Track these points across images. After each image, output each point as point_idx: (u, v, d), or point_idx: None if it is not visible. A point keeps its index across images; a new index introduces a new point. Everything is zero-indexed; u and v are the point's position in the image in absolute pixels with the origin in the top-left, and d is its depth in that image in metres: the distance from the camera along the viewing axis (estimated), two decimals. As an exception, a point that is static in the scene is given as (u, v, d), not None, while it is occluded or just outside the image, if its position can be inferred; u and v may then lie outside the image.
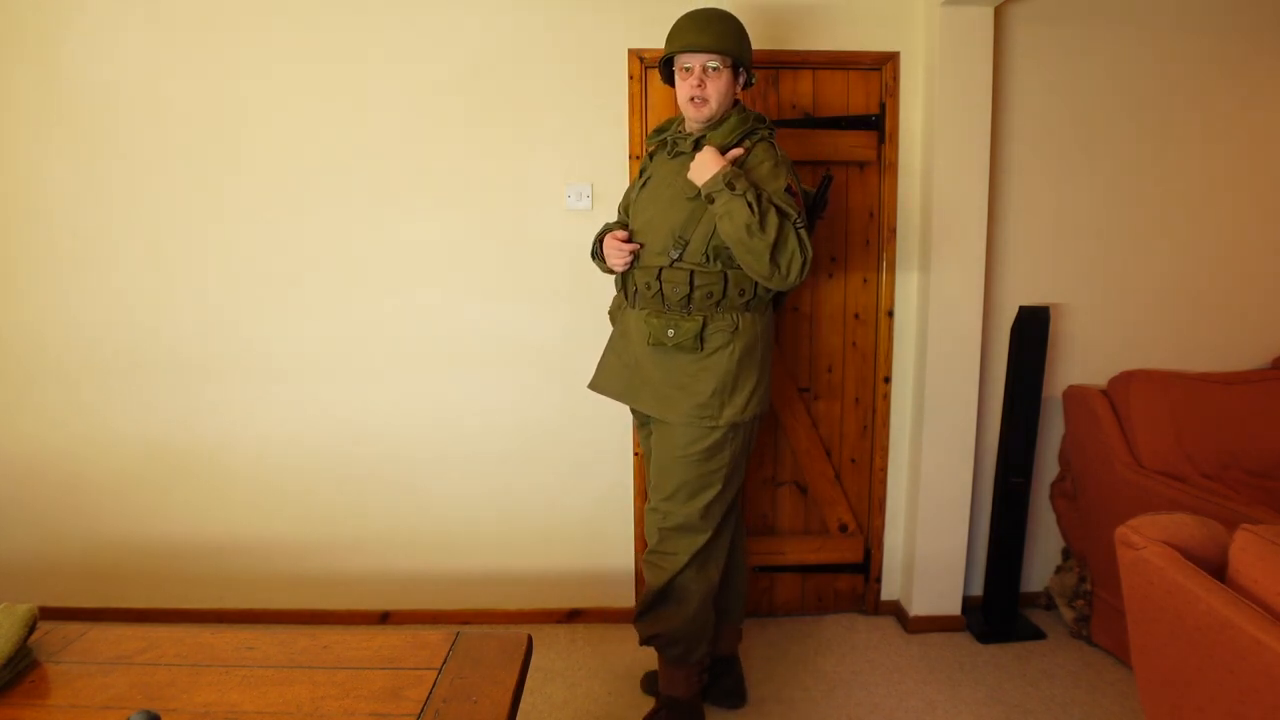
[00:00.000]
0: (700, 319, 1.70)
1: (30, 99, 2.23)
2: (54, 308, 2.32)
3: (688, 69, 1.70)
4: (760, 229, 1.55)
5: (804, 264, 1.60)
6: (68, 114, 2.23)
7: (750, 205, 1.56)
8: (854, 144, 2.29)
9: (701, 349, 1.71)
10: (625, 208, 1.93)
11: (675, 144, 1.79)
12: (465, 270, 2.32)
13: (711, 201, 1.61)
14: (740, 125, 1.72)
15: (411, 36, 2.22)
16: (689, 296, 1.70)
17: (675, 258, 1.69)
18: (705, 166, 1.63)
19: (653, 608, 1.84)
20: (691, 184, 1.68)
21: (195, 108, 2.24)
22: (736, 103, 1.77)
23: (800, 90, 2.28)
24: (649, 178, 1.84)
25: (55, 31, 2.20)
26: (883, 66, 2.27)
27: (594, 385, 1.93)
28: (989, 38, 2.17)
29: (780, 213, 1.59)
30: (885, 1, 2.24)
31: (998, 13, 2.20)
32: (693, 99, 1.69)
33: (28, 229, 2.29)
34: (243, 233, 2.29)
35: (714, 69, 1.68)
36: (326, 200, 2.28)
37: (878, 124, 2.29)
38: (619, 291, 1.89)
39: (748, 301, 1.72)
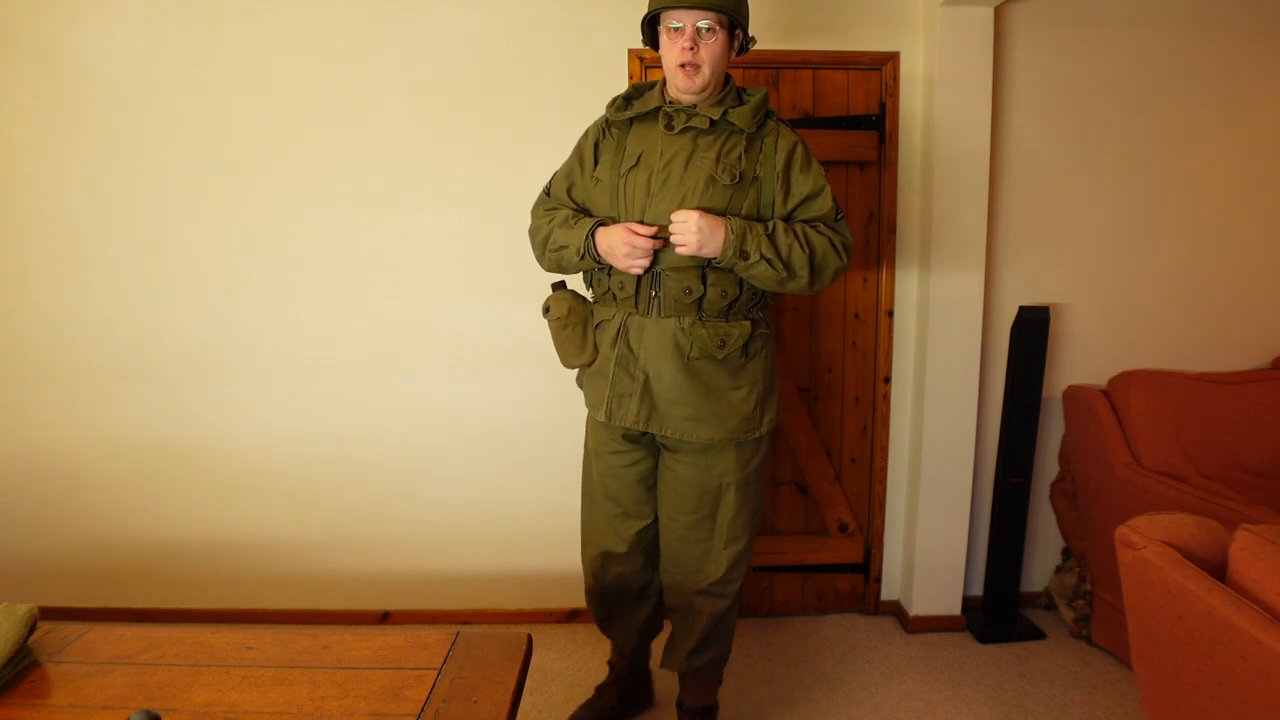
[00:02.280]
0: (748, 324, 1.54)
1: (28, 97, 2.23)
2: (53, 307, 2.32)
3: (677, 28, 1.47)
4: (791, 276, 1.47)
5: (842, 269, 1.55)
6: (66, 112, 2.23)
7: (770, 263, 1.44)
8: (854, 144, 2.29)
9: (746, 356, 1.57)
10: (580, 192, 1.64)
11: (673, 117, 1.53)
12: (466, 270, 2.31)
13: (731, 270, 1.50)
14: (763, 105, 1.54)
15: (412, 35, 2.22)
16: (737, 299, 1.53)
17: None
18: (708, 236, 1.43)
19: (713, 638, 1.75)
20: (727, 166, 1.49)
21: (194, 107, 2.24)
22: (727, 77, 1.58)
23: (800, 90, 2.28)
24: (639, 156, 1.55)
25: (53, 29, 2.20)
26: (883, 66, 2.27)
27: (614, 418, 1.60)
28: (989, 38, 2.17)
29: (807, 238, 1.48)
30: (885, 1, 2.24)
31: (998, 13, 2.20)
32: (683, 65, 1.47)
33: (26, 228, 2.28)
34: (242, 232, 2.29)
35: (707, 29, 1.45)
36: (326, 200, 2.28)
37: (878, 124, 2.29)
38: (598, 294, 1.65)
39: (773, 298, 1.65)
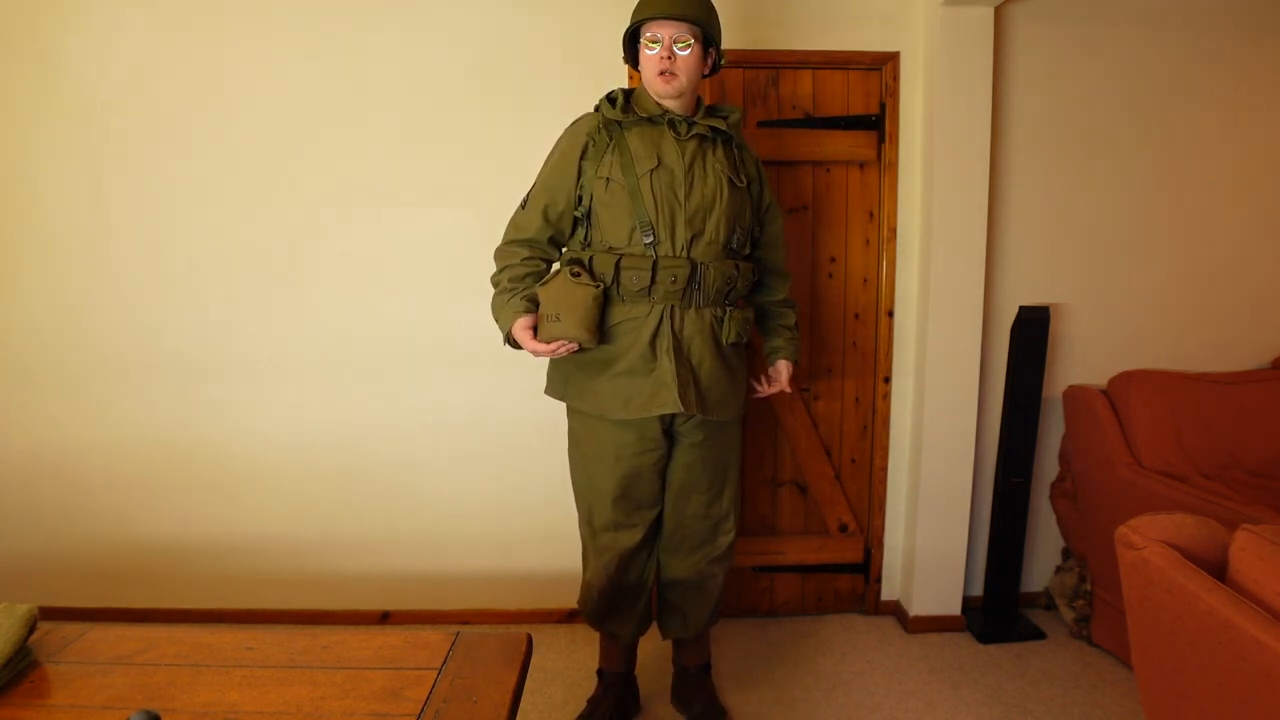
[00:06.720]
0: (752, 309, 1.79)
1: (28, 98, 2.23)
2: (54, 308, 2.32)
3: (656, 40, 1.60)
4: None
5: None
6: (66, 113, 2.23)
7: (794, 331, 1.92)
8: (854, 144, 2.29)
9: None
10: (558, 208, 1.68)
11: (677, 124, 1.64)
12: (466, 270, 2.31)
13: (750, 259, 1.77)
14: (741, 120, 1.73)
15: (411, 36, 2.22)
16: (751, 286, 1.77)
17: (736, 248, 1.70)
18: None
19: (721, 596, 1.91)
20: (739, 172, 1.69)
21: (195, 107, 2.24)
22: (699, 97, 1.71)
23: (800, 90, 2.28)
24: (658, 158, 1.61)
25: (53, 30, 2.20)
26: (883, 66, 2.27)
27: (686, 407, 1.61)
28: (989, 38, 2.17)
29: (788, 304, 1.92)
30: (885, 1, 2.25)
31: (998, 13, 2.20)
32: (662, 72, 1.60)
33: (27, 229, 2.28)
34: (242, 233, 2.29)
35: (683, 45, 1.60)
36: (326, 200, 2.28)
37: (878, 124, 2.29)
38: (629, 291, 1.62)
39: None
